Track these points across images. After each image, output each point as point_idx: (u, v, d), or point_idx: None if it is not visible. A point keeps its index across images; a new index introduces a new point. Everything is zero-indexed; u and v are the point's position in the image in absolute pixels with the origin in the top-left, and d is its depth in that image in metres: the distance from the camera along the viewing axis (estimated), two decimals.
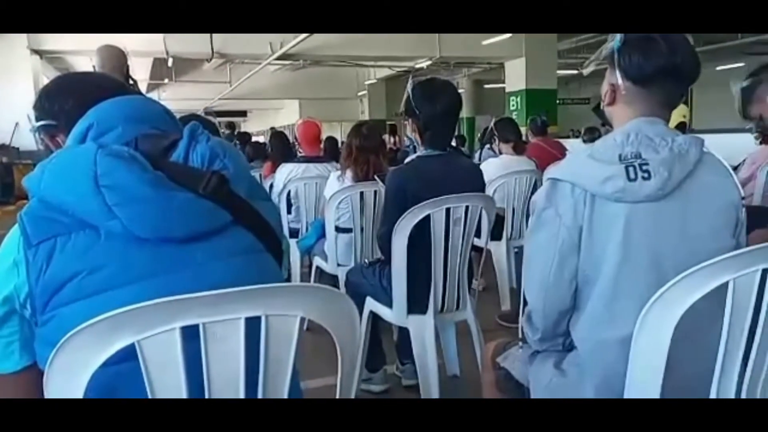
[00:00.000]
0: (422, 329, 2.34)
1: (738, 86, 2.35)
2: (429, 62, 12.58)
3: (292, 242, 3.73)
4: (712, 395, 1.13)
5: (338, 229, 3.21)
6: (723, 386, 1.12)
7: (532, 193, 3.38)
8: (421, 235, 2.21)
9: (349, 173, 3.15)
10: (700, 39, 12.94)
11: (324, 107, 17.91)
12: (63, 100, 1.19)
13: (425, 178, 2.28)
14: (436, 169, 2.31)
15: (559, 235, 1.27)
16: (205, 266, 0.93)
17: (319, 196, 3.68)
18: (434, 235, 2.23)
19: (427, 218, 2.19)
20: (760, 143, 4.29)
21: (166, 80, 15.33)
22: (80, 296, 0.86)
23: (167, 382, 0.83)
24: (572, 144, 6.21)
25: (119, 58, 2.80)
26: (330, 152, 5.16)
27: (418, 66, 13.23)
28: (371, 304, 2.51)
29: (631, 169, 1.21)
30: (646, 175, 1.20)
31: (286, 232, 3.65)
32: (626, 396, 1.18)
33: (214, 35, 10.33)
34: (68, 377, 0.79)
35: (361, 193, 3.10)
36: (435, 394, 2.32)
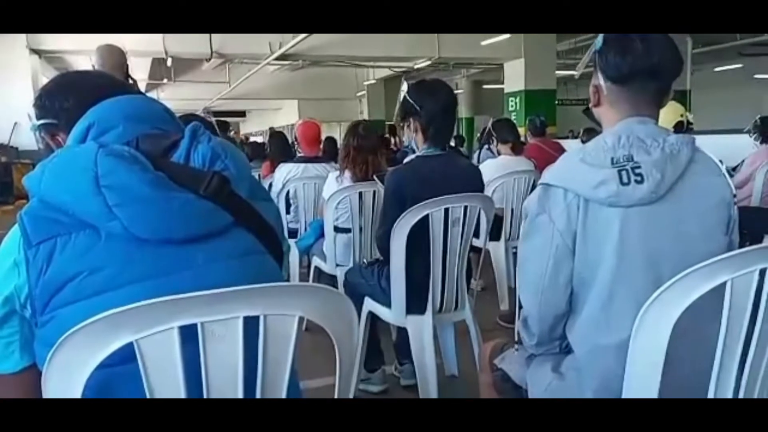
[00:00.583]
0: (421, 329, 2.35)
1: None
2: (428, 62, 12.58)
3: (291, 242, 3.72)
4: (710, 395, 1.13)
5: (337, 229, 3.21)
6: (721, 386, 1.12)
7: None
8: (419, 235, 2.21)
9: (347, 173, 3.15)
10: (698, 40, 12.99)
11: (323, 107, 17.90)
12: (63, 99, 1.19)
13: (424, 178, 2.28)
14: (434, 169, 2.31)
15: (553, 241, 1.27)
16: (206, 267, 0.93)
17: (318, 196, 3.68)
18: (433, 236, 2.23)
19: (426, 218, 2.20)
20: (761, 143, 4.31)
21: (164, 80, 15.30)
22: (80, 297, 0.86)
23: (166, 381, 0.83)
24: (571, 145, 6.21)
25: (119, 57, 2.80)
26: (329, 152, 5.16)
27: (417, 66, 13.23)
28: (370, 304, 2.51)
29: (623, 172, 1.21)
30: (639, 178, 1.20)
31: (285, 232, 3.64)
32: (624, 396, 1.18)
33: (213, 35, 10.32)
34: (67, 376, 0.79)
35: (360, 194, 3.10)
36: (433, 394, 2.32)
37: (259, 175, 4.79)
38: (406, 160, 2.47)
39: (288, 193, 3.85)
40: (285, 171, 3.94)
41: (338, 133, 14.01)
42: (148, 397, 0.82)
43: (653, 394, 1.10)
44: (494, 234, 3.66)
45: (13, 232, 0.91)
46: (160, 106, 1.12)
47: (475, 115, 17.51)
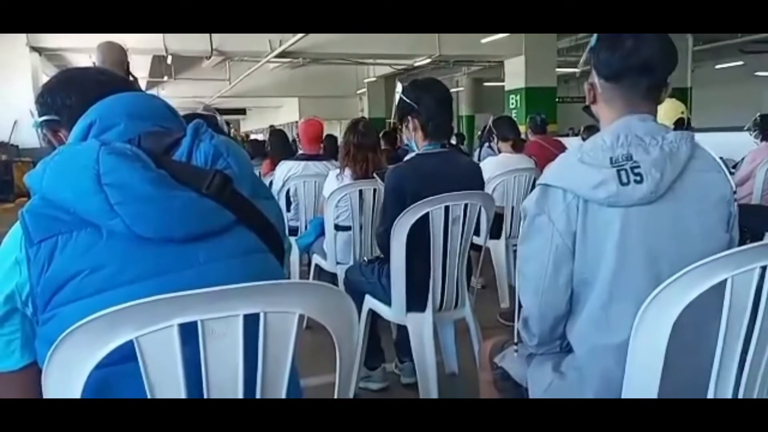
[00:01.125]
0: (421, 327, 2.35)
1: None
2: (429, 60, 12.57)
3: (291, 240, 3.73)
4: (710, 393, 1.13)
5: (337, 227, 3.21)
6: (721, 384, 1.12)
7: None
8: (420, 233, 2.21)
9: (347, 171, 3.15)
10: (699, 37, 12.98)
11: (323, 105, 17.86)
12: (65, 95, 1.19)
13: (424, 176, 2.28)
14: (435, 167, 2.31)
15: (553, 241, 1.27)
16: (207, 266, 0.93)
17: (319, 194, 3.68)
18: (433, 233, 2.23)
19: (426, 216, 2.20)
20: (761, 141, 4.31)
21: (165, 78, 15.31)
22: (81, 295, 0.86)
23: (166, 379, 0.83)
24: (571, 142, 6.21)
25: (119, 54, 2.80)
26: (329, 150, 5.16)
27: (417, 64, 13.22)
28: (370, 302, 2.51)
29: (623, 172, 1.20)
30: (638, 178, 1.20)
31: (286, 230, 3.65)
32: (624, 395, 1.18)
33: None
34: (67, 374, 0.79)
35: (360, 191, 3.10)
36: (434, 392, 2.32)
37: (259, 173, 4.79)
38: (406, 158, 2.48)
39: (288, 191, 3.85)
40: (285, 169, 3.94)
41: (338, 131, 14.01)
42: (148, 394, 0.82)
43: (653, 392, 1.10)
44: (495, 232, 3.66)
45: (14, 230, 0.91)
46: (162, 103, 1.12)
47: (476, 112, 17.51)
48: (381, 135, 4.78)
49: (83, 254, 0.87)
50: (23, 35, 9.75)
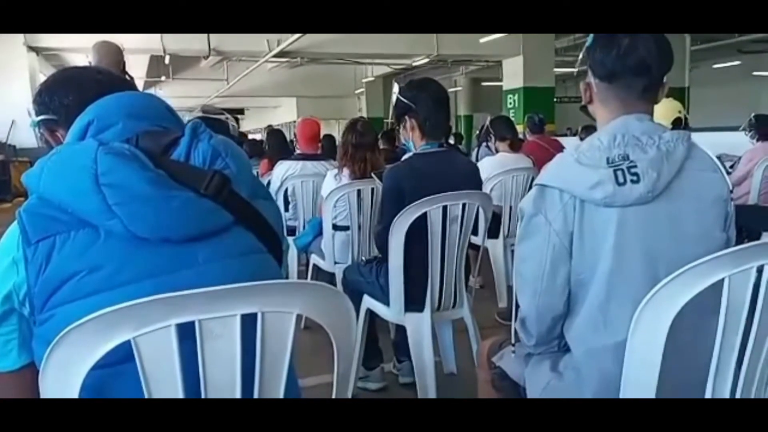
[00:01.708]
0: (419, 327, 2.35)
1: None
2: (427, 60, 12.58)
3: (289, 240, 3.73)
4: (708, 393, 1.13)
5: (335, 227, 3.21)
6: (718, 383, 1.12)
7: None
8: (418, 232, 2.21)
9: (346, 171, 3.15)
10: (697, 37, 12.99)
11: (321, 105, 17.89)
12: (63, 95, 1.18)
13: (422, 175, 2.28)
14: (433, 166, 2.32)
15: (550, 242, 1.26)
16: (206, 267, 0.93)
17: (317, 193, 3.68)
18: (431, 233, 2.24)
19: (424, 216, 2.20)
20: (756, 141, 4.32)
21: (163, 78, 15.30)
22: (79, 296, 0.86)
23: (163, 379, 0.83)
24: (569, 142, 6.21)
25: (116, 54, 2.80)
26: (327, 150, 5.15)
27: (416, 64, 13.22)
28: (368, 301, 2.52)
29: (619, 172, 1.20)
30: (635, 178, 1.20)
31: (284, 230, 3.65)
32: (622, 395, 1.18)
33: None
34: (64, 374, 0.79)
35: (359, 191, 3.10)
36: (432, 392, 2.32)
37: (257, 173, 4.79)
38: (404, 158, 2.48)
39: (286, 190, 3.84)
40: (283, 168, 3.94)
41: (337, 131, 14.00)
42: (145, 395, 0.82)
43: (651, 392, 1.10)
44: (493, 231, 3.67)
45: (11, 229, 0.91)
46: (160, 102, 1.11)
47: (474, 112, 17.53)
48: (379, 135, 4.79)
49: (81, 254, 0.87)
50: (21, 35, 9.74)
